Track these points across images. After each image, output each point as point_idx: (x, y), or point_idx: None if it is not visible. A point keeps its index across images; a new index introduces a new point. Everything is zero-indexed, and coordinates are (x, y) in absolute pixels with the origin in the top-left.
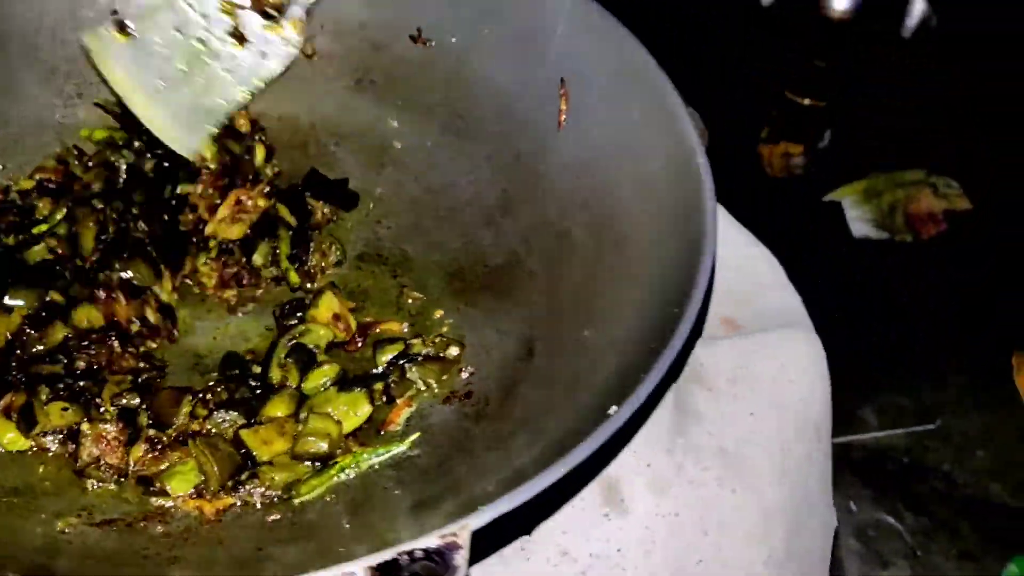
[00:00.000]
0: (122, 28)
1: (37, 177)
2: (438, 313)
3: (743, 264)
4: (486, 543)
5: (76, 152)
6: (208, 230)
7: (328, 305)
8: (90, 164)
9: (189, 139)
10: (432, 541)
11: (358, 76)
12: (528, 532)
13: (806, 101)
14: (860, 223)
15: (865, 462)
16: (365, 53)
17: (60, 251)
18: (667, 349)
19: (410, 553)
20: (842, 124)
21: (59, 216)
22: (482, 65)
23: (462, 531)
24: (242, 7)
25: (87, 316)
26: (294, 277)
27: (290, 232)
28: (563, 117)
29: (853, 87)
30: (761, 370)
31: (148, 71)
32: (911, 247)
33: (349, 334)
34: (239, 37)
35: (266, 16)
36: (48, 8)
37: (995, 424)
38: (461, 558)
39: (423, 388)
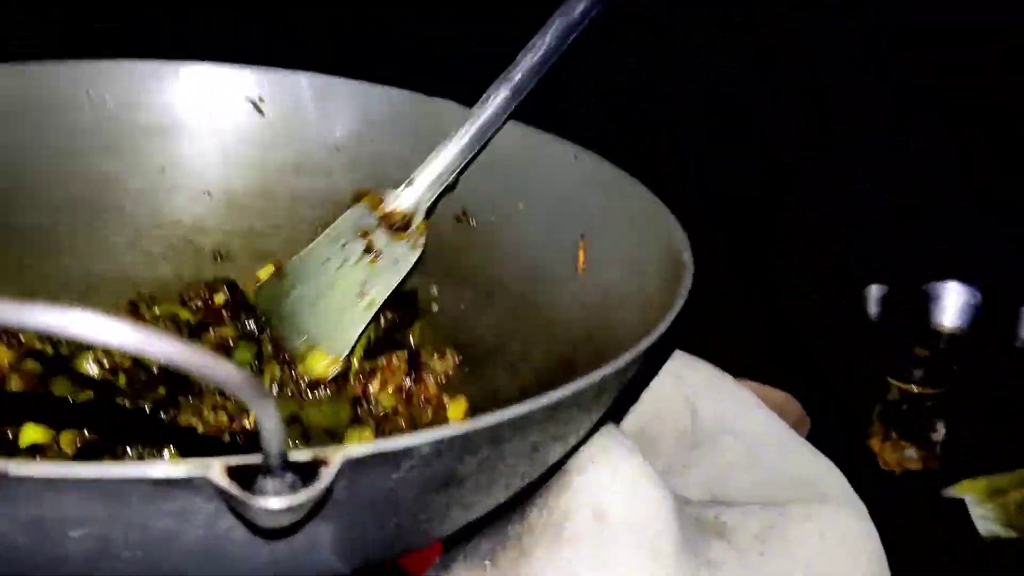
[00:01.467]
0: (278, 271)
1: None
2: None
3: (802, 474)
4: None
5: (148, 299)
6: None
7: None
8: (158, 312)
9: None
10: (303, 455)
11: None
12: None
13: (915, 389)
14: (986, 521)
15: None
16: None
17: (105, 364)
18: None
19: (272, 458)
20: (958, 415)
21: None
22: (512, 234)
23: (335, 453)
24: (374, 229)
25: None
26: None
27: None
28: (581, 265)
29: (964, 378)
30: (795, 534)
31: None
32: None
33: None
34: (373, 253)
35: (393, 229)
36: (140, 184)
37: None
38: (327, 474)
39: None
